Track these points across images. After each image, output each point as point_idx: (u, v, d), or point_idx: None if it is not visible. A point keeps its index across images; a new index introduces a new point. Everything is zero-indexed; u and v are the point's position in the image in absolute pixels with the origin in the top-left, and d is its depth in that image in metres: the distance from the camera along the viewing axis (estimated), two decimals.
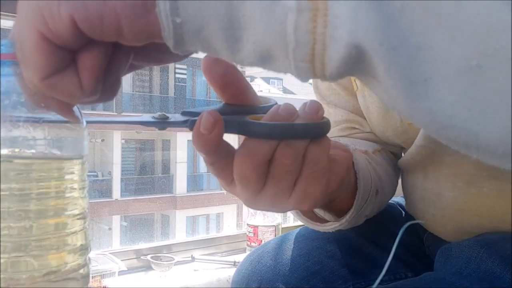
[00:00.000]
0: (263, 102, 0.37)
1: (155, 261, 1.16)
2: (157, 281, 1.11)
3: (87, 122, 0.36)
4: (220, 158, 0.35)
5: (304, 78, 0.28)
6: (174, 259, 1.19)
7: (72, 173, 0.35)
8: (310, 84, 0.75)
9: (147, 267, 1.17)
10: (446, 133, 0.25)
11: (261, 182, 0.34)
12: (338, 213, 0.51)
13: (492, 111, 0.23)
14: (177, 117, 0.36)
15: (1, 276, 0.31)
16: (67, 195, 0.34)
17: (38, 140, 0.33)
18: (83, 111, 0.35)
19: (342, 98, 0.67)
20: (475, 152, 0.26)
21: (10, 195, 0.32)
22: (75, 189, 0.35)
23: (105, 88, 0.30)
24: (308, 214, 0.53)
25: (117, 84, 0.32)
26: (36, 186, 0.33)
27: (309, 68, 0.26)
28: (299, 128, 0.33)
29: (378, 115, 0.60)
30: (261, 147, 0.33)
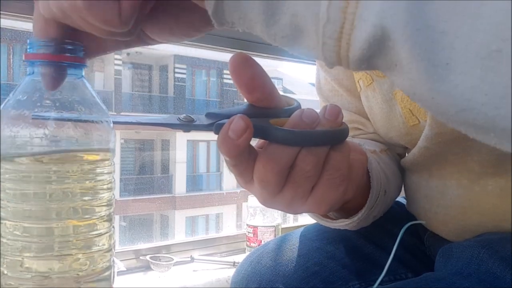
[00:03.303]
0: (286, 104, 0.37)
1: (154, 262, 1.16)
2: (156, 282, 1.10)
3: (113, 122, 0.36)
4: (242, 161, 0.35)
5: (329, 60, 0.28)
6: (173, 260, 1.18)
7: (103, 173, 0.35)
8: (311, 84, 0.74)
9: (146, 268, 1.17)
10: (464, 116, 0.25)
11: (280, 185, 0.35)
12: (348, 212, 0.51)
13: (509, 95, 0.24)
14: (201, 119, 0.36)
15: (32, 276, 0.31)
16: (99, 195, 0.34)
17: (68, 140, 0.33)
18: None
19: (345, 99, 0.67)
20: (492, 136, 0.26)
21: (42, 195, 0.32)
22: (105, 189, 0.35)
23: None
24: None
25: (139, 23, 0.32)
26: (68, 186, 0.32)
27: (335, 47, 0.27)
28: (321, 135, 0.34)
29: (381, 116, 0.60)
30: (283, 153, 0.34)
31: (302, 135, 0.33)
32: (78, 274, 0.32)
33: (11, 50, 2.05)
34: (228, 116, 0.34)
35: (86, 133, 0.33)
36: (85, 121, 0.33)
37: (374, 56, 0.27)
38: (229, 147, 0.33)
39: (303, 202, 0.36)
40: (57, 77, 0.34)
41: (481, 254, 0.46)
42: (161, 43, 0.37)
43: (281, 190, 0.35)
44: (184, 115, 0.36)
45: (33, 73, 0.34)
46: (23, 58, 0.34)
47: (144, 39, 0.36)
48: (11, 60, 2.10)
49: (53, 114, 0.32)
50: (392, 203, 0.64)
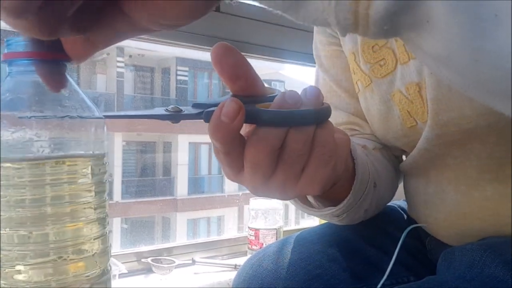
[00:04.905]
0: (269, 93, 0.38)
1: (156, 264, 1.16)
2: (158, 284, 1.10)
3: (104, 116, 0.35)
4: (236, 146, 0.35)
5: (343, 22, 0.24)
6: (174, 262, 1.18)
7: (99, 173, 0.34)
8: None
9: (148, 270, 1.17)
10: (509, 84, 0.22)
11: (272, 168, 0.35)
12: (336, 203, 0.51)
13: None
14: (189, 109, 0.36)
15: (31, 286, 0.31)
16: (95, 196, 0.34)
17: (62, 141, 0.32)
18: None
19: (343, 101, 0.66)
20: None
21: (39, 200, 0.31)
22: (100, 190, 0.34)
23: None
24: (307, 202, 0.53)
25: (59, 24, 0.28)
26: (57, 189, 0.32)
27: (351, 6, 0.23)
28: (307, 113, 0.35)
29: (379, 118, 0.59)
30: (273, 134, 0.34)
31: (289, 114, 0.34)
32: (77, 279, 0.32)
33: None
34: (214, 105, 0.34)
35: (79, 132, 0.33)
36: (78, 118, 0.33)
37: (401, 11, 0.23)
38: (223, 132, 0.33)
39: (295, 183, 0.36)
40: (57, 76, 0.33)
41: (483, 258, 0.46)
42: (154, 30, 0.33)
43: (272, 173, 0.35)
44: (172, 106, 0.35)
45: (13, 72, 0.33)
46: (2, 58, 0.33)
47: (135, 27, 0.32)
48: None
49: (43, 114, 0.32)
50: (386, 202, 0.63)
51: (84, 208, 0.33)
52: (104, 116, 0.35)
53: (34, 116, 0.31)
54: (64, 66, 0.34)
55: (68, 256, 0.32)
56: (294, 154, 0.34)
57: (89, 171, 0.34)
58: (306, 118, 0.35)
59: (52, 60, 0.33)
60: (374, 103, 0.60)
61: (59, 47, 0.32)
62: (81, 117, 0.33)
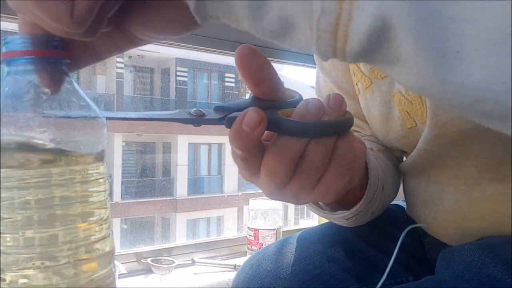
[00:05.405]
0: (289, 96, 0.37)
1: (155, 264, 1.16)
2: (158, 284, 1.10)
3: (116, 118, 0.35)
4: (254, 153, 0.34)
5: (324, 53, 0.27)
6: (174, 262, 1.18)
7: (98, 174, 0.34)
8: (312, 87, 0.75)
9: (147, 270, 1.17)
10: (480, 107, 0.24)
11: (289, 177, 0.35)
12: (346, 206, 0.51)
13: None
14: (211, 113, 0.35)
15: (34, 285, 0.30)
16: (94, 198, 0.33)
17: (66, 140, 0.32)
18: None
19: None
20: (510, 125, 0.24)
21: (45, 200, 0.31)
22: (101, 191, 0.34)
23: (90, 24, 0.29)
24: (317, 204, 0.53)
25: (102, 24, 0.30)
26: (61, 190, 0.31)
27: (331, 41, 0.25)
28: (329, 125, 0.34)
29: (379, 119, 0.60)
30: (294, 144, 0.33)
31: (312, 126, 0.33)
32: (88, 280, 0.32)
33: None
34: (236, 109, 0.34)
35: (82, 131, 0.32)
36: (80, 118, 0.32)
37: (373, 50, 0.25)
38: (243, 140, 0.32)
39: (310, 192, 0.36)
40: (56, 76, 0.32)
41: (482, 258, 0.46)
42: (150, 42, 0.35)
43: (288, 181, 0.35)
44: (195, 109, 0.35)
45: (12, 72, 0.32)
46: (2, 58, 0.32)
47: (131, 39, 0.35)
48: None
49: (46, 113, 0.31)
50: (389, 203, 0.64)
51: (94, 208, 0.33)
52: (119, 118, 0.35)
53: (36, 117, 0.31)
54: (63, 65, 0.33)
55: (81, 257, 0.32)
56: (312, 166, 0.34)
57: (97, 170, 0.34)
58: (328, 130, 0.34)
59: (51, 58, 0.32)
60: (375, 104, 0.60)
61: (59, 46, 0.32)
62: (85, 117, 0.33)
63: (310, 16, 0.25)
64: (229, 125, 0.34)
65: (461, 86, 0.23)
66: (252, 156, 0.35)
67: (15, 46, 0.32)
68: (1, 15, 0.91)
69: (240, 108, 0.33)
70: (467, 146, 0.51)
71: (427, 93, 0.26)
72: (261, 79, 0.35)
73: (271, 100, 0.36)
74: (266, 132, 0.36)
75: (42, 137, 0.31)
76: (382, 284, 0.54)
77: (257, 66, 0.34)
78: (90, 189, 0.33)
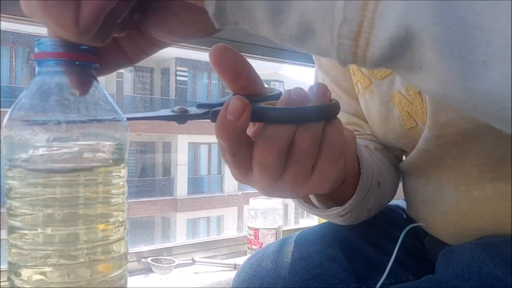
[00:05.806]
0: (269, 92, 0.37)
1: (156, 264, 1.16)
2: (158, 284, 1.10)
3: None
4: (242, 146, 0.34)
5: (343, 59, 0.27)
6: (174, 262, 1.18)
7: (119, 177, 0.34)
8: None
9: (148, 270, 1.17)
10: (503, 114, 0.24)
11: (281, 168, 0.35)
12: (340, 203, 0.50)
13: None
14: (194, 110, 0.36)
15: (50, 284, 0.30)
16: (114, 200, 0.33)
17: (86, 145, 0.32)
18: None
19: (343, 101, 0.67)
20: None
21: (70, 199, 0.31)
22: (120, 194, 0.34)
23: (98, 30, 0.29)
24: (310, 202, 0.53)
25: (111, 30, 0.31)
26: (85, 190, 0.32)
27: (352, 47, 0.26)
28: (315, 110, 0.34)
29: (379, 119, 0.60)
30: (281, 132, 0.33)
31: (297, 111, 0.33)
32: (98, 281, 0.32)
33: (13, 52, 2.06)
34: (219, 105, 0.34)
35: (110, 134, 0.33)
36: (108, 120, 0.33)
37: (395, 57, 0.25)
38: (229, 130, 0.32)
39: (305, 182, 0.36)
40: (85, 79, 0.33)
41: (482, 257, 0.46)
42: (171, 45, 0.36)
43: (282, 173, 0.35)
44: (178, 106, 0.35)
45: (42, 72, 0.33)
46: (33, 58, 0.33)
47: (154, 42, 0.36)
48: (14, 63, 2.10)
49: (74, 117, 0.32)
50: (388, 201, 0.64)
51: (113, 210, 0.33)
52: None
53: (62, 121, 0.31)
54: (92, 69, 0.34)
55: (97, 257, 0.32)
56: (303, 153, 0.34)
57: (119, 172, 0.34)
58: (314, 114, 0.34)
59: (80, 62, 0.33)
60: (374, 104, 0.60)
61: (89, 50, 0.33)
62: (111, 120, 0.33)
63: (332, 23, 0.25)
64: (213, 119, 0.34)
65: (487, 94, 0.24)
66: (241, 149, 0.34)
67: (46, 48, 0.32)
68: (1, 15, 0.91)
69: (223, 104, 0.33)
70: (467, 146, 0.51)
71: (451, 100, 0.26)
72: (238, 74, 0.35)
73: (252, 95, 0.36)
74: (253, 128, 0.36)
75: (68, 137, 0.31)
76: (382, 283, 0.54)
77: (232, 62, 0.34)
78: (112, 191, 0.33)
